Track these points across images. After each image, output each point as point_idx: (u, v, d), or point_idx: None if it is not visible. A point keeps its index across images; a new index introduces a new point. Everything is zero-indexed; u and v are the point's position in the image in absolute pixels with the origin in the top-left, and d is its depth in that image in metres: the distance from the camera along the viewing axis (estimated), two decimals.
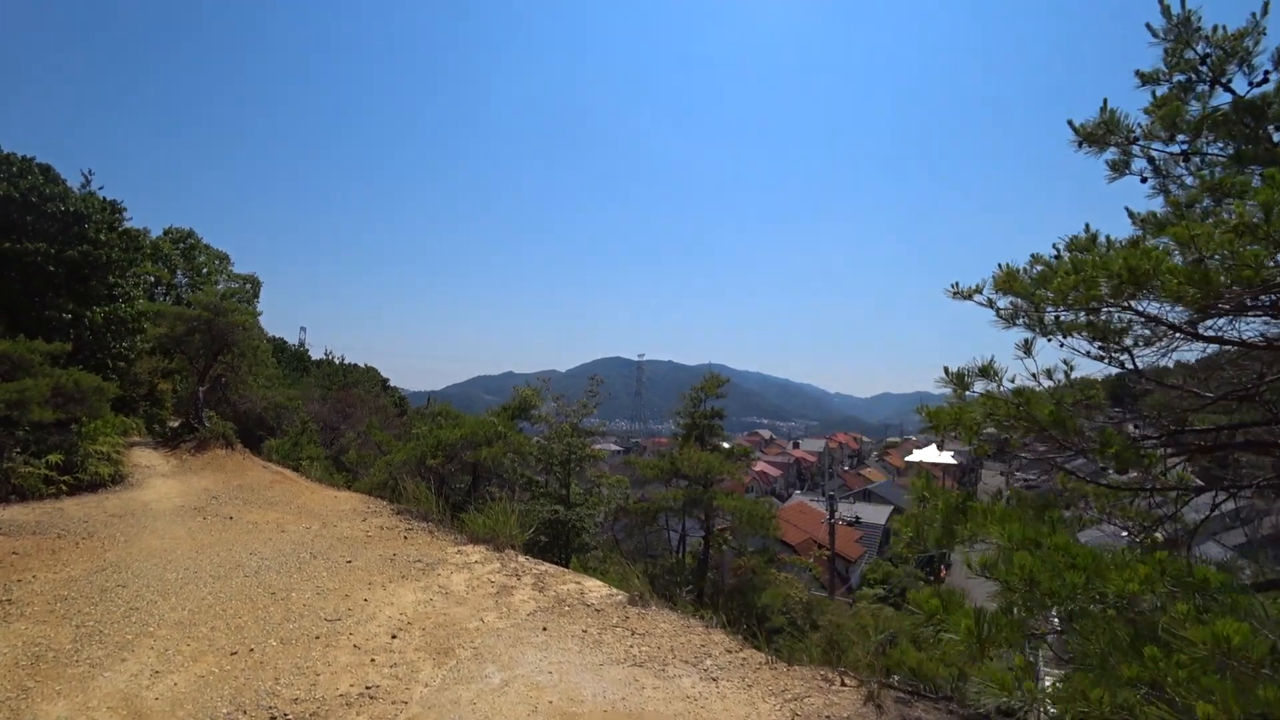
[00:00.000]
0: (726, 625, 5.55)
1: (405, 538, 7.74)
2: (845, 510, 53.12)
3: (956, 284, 4.24)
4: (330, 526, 8.04)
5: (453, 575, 6.19)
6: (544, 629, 4.88)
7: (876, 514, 57.77)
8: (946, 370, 4.32)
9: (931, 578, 53.31)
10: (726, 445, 16.24)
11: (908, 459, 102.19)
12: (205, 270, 20.85)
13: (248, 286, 20.28)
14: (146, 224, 22.55)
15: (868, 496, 67.57)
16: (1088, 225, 4.61)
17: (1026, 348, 4.22)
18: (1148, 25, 4.63)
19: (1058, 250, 4.56)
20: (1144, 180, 4.68)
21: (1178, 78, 4.62)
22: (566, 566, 9.94)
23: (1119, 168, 4.67)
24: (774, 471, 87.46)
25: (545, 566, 6.99)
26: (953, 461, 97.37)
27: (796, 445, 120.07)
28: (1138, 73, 4.79)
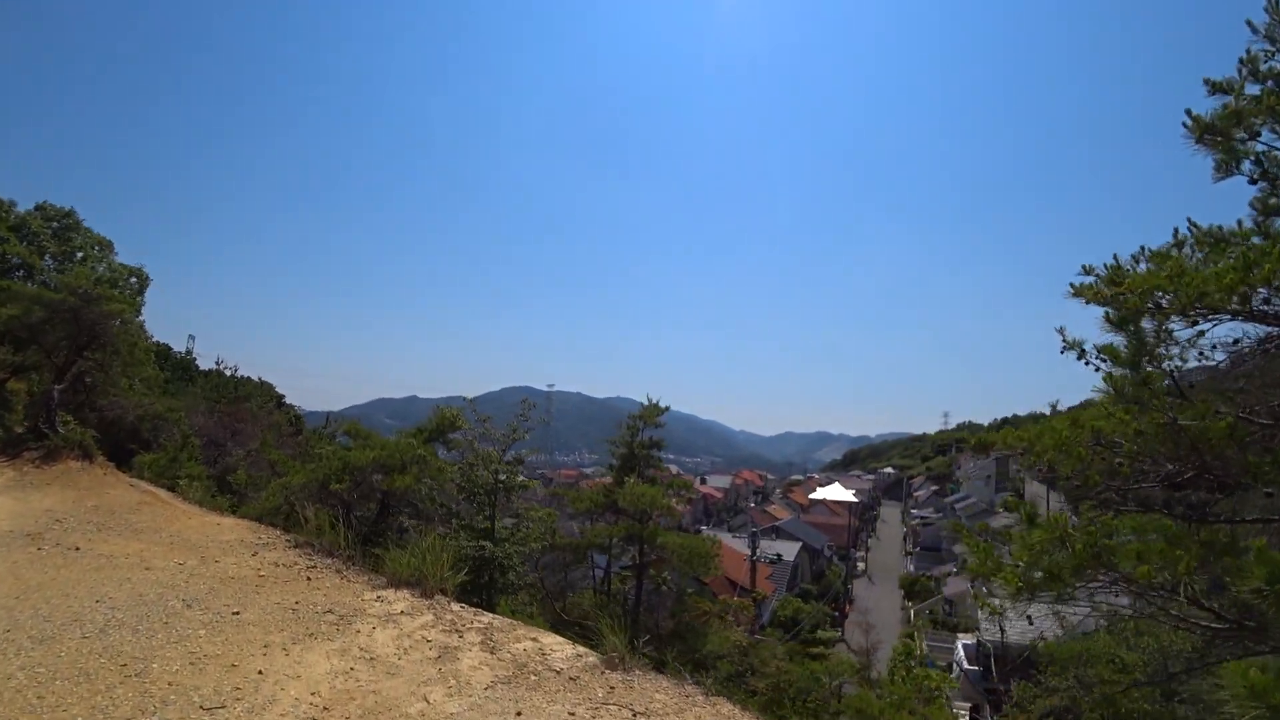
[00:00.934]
0: (726, 691, 4.48)
1: (308, 579, 6.24)
2: (767, 547, 53.02)
3: (1088, 267, 3.39)
4: (211, 562, 6.41)
5: (376, 632, 4.80)
6: (517, 715, 3.61)
7: (788, 550, 58.18)
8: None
9: (837, 614, 53.84)
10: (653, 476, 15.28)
11: (811, 496, 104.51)
12: (81, 255, 18.14)
13: (132, 280, 17.79)
14: (14, 198, 19.68)
15: (777, 533, 68.10)
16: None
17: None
18: (1248, 21, 4.15)
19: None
20: (1253, 182, 4.07)
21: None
22: (494, 610, 8.58)
23: (1226, 167, 4.04)
24: (680, 507, 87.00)
25: (488, 618, 5.70)
26: (854, 499, 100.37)
27: (703, 481, 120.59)
28: (1208, 81, 4.29)
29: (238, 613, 4.80)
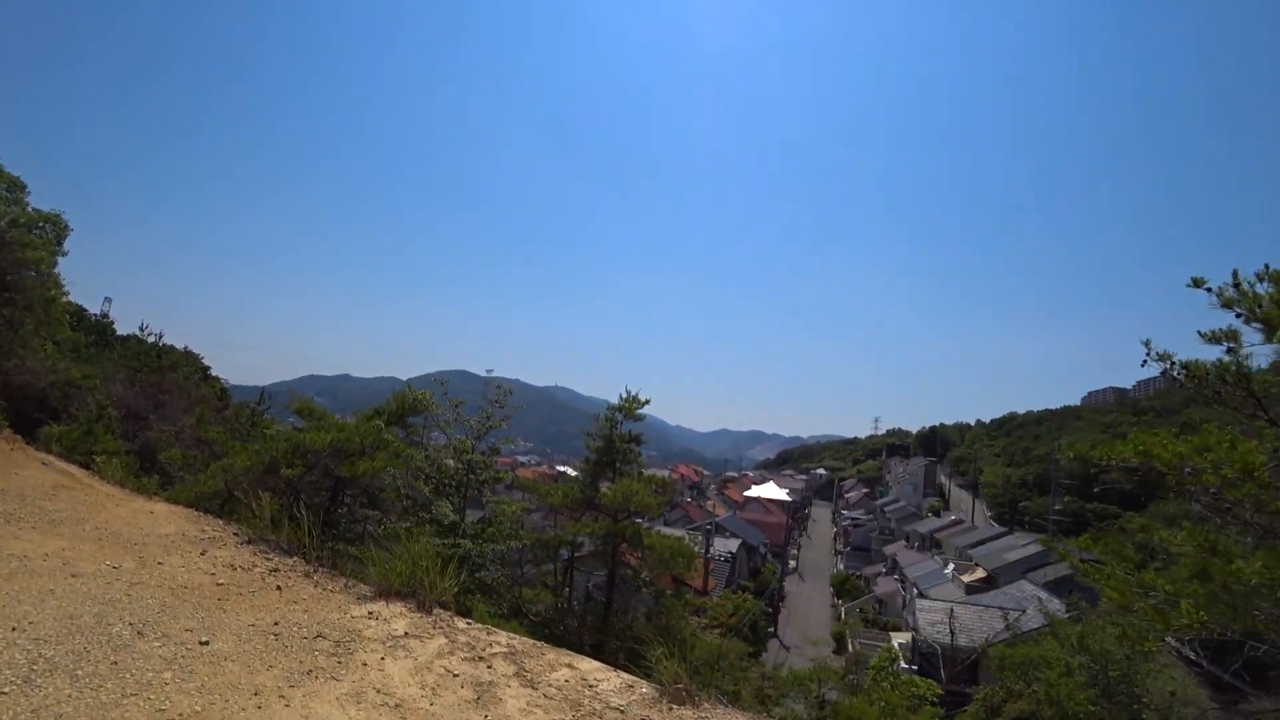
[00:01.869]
0: None
1: (279, 588, 5.16)
2: (721, 545, 52.94)
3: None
4: (152, 565, 5.23)
5: (387, 663, 3.81)
6: None
7: (728, 547, 58.34)
8: None
9: (770, 610, 54.19)
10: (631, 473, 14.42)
11: (746, 493, 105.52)
12: None
13: (47, 227, 15.79)
14: None
15: (717, 529, 68.21)
16: None
17: None
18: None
19: None
20: None
21: None
22: (470, 615, 7.61)
23: None
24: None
25: (506, 637, 4.76)
26: (787, 498, 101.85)
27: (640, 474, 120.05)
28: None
29: (206, 641, 3.69)
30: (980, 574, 50.03)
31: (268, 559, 6.34)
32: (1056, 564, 47.30)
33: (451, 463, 10.73)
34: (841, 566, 74.47)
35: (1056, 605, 32.25)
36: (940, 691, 11.88)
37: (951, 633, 23.38)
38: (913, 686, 11.18)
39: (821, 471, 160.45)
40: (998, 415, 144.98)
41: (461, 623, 4.97)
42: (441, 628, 4.65)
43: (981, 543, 58.56)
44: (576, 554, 13.22)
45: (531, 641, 4.76)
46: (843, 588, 64.17)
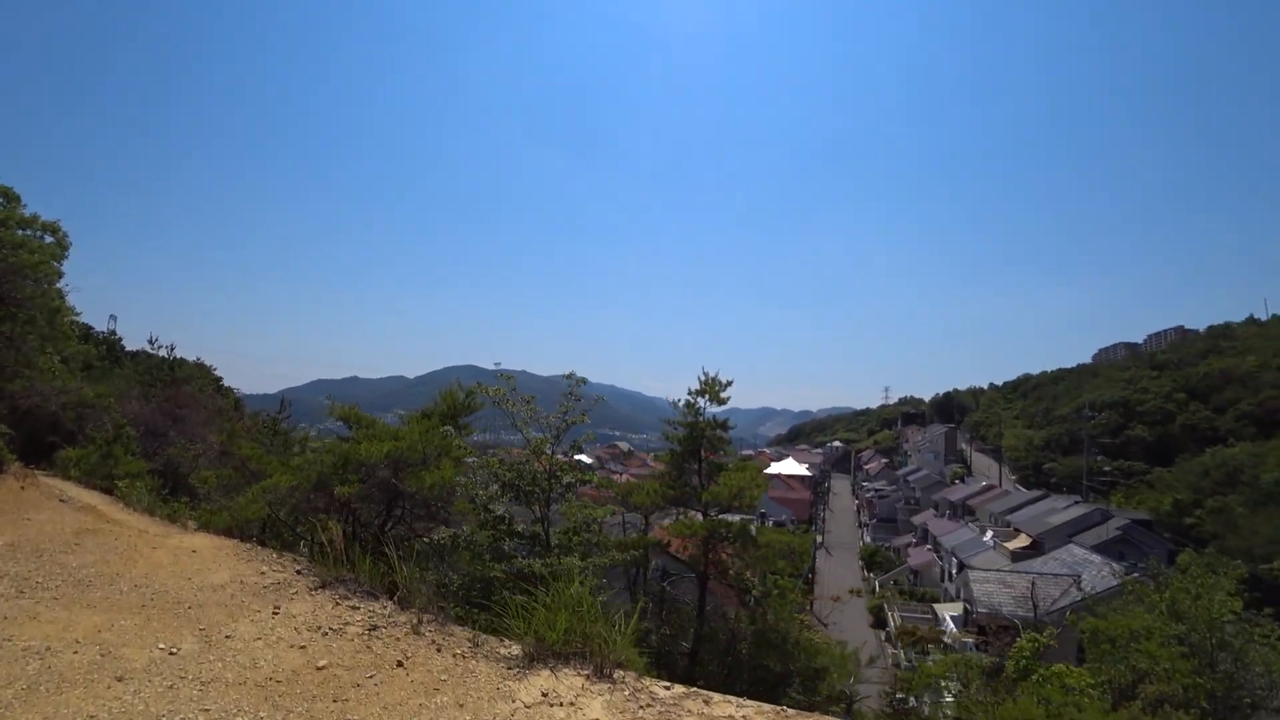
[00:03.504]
0: None
1: (400, 664, 3.78)
2: None
3: None
4: (219, 642, 3.86)
5: None
6: None
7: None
8: None
9: (807, 586, 53.03)
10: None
11: (766, 471, 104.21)
12: None
13: (47, 238, 14.39)
14: None
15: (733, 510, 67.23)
16: None
17: None
18: None
19: None
20: None
21: None
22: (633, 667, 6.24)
23: None
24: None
25: (731, 706, 3.37)
26: (808, 473, 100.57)
27: (656, 458, 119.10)
28: None
29: None
30: (1023, 540, 48.66)
31: (353, 608, 4.99)
32: (1101, 526, 45.97)
33: (534, 466, 9.36)
34: (868, 539, 73.36)
35: (1112, 570, 30.92)
36: (1092, 681, 10.49)
37: (1034, 604, 21.97)
38: (1068, 677, 9.82)
39: (837, 444, 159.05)
40: (1011, 378, 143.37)
41: (658, 687, 3.60)
42: (644, 702, 3.27)
43: (1018, 507, 57.21)
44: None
45: (772, 709, 3.38)
46: (872, 560, 63.00)
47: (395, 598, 5.53)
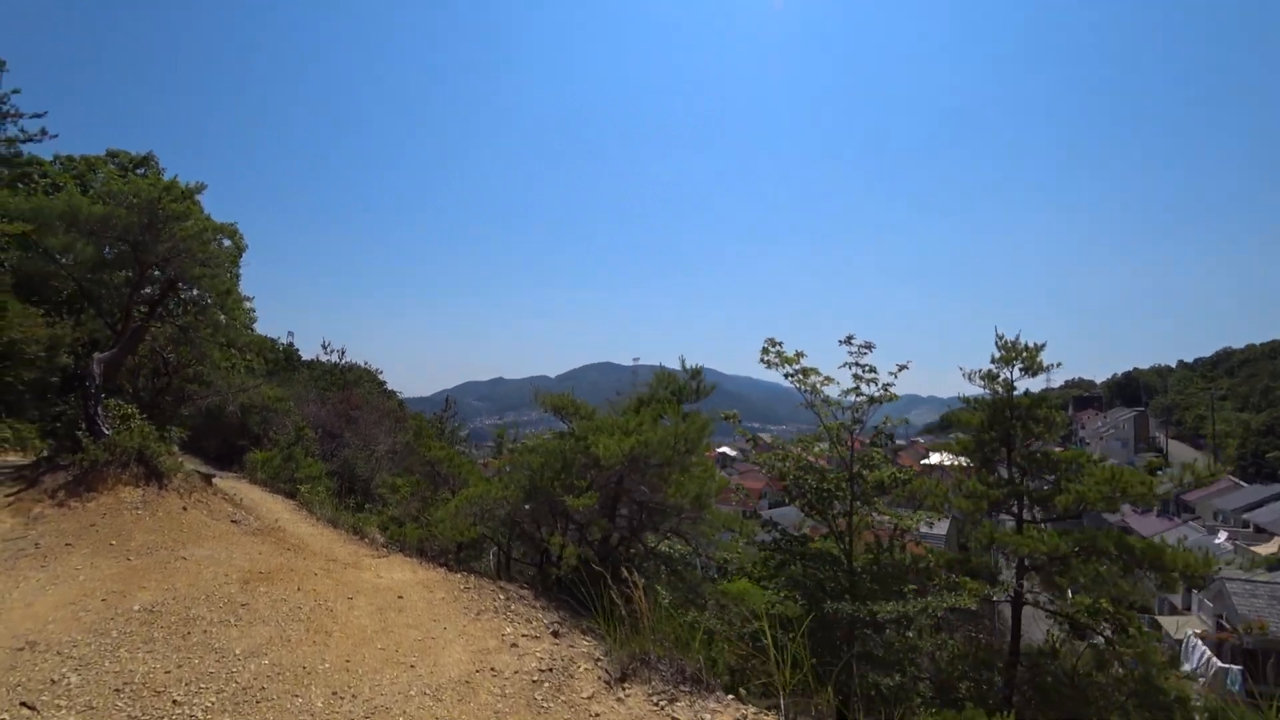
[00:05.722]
0: None
1: None
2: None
3: None
4: None
5: None
6: None
7: (941, 525, 51.93)
8: None
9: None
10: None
11: (924, 461, 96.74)
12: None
13: (224, 241, 13.67)
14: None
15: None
16: None
17: None
18: None
19: None
20: None
21: None
22: None
23: None
24: (753, 484, 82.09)
25: None
26: (969, 463, 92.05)
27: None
28: None
29: None
30: (1275, 545, 40.57)
31: (665, 694, 2.61)
32: None
33: (823, 466, 6.98)
34: None
35: None
36: None
37: None
38: None
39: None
40: (1204, 354, 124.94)
41: None
42: None
43: (1259, 504, 48.21)
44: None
45: None
46: None
47: (741, 691, 3.18)
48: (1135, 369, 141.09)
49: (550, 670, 3.29)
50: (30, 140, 15.23)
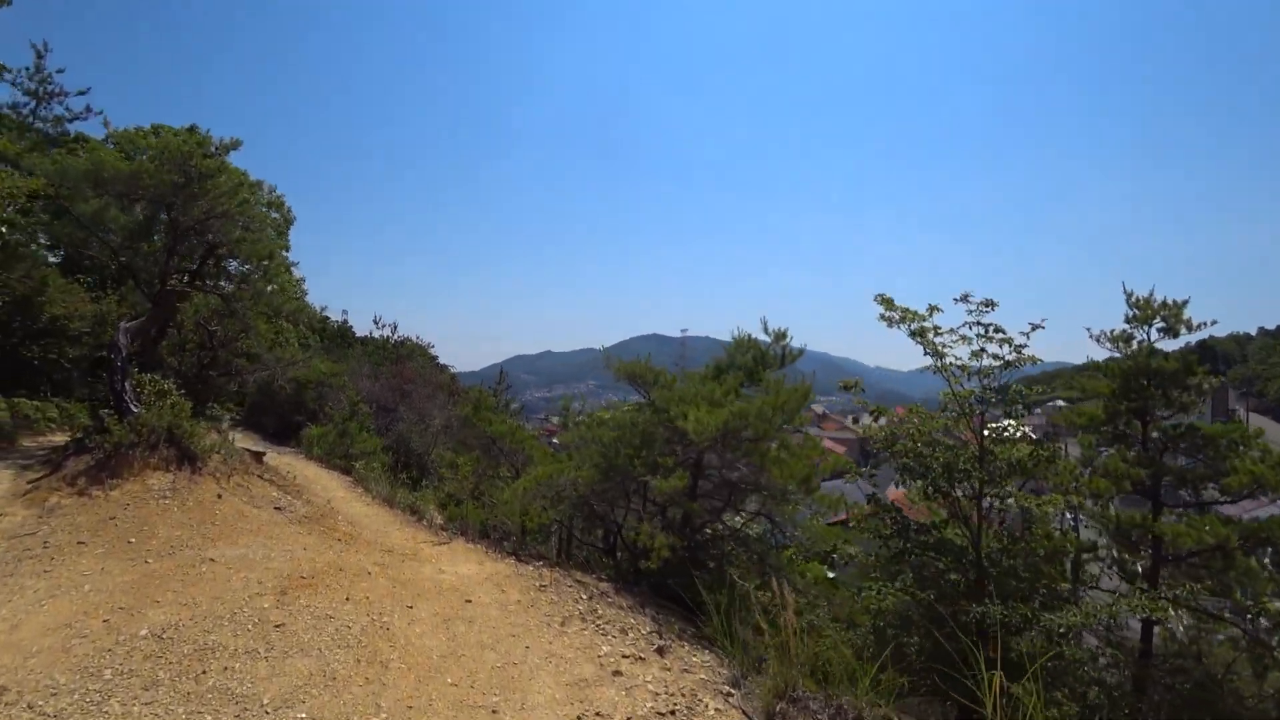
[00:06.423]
0: None
1: None
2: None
3: None
4: None
5: None
6: None
7: None
8: None
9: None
10: None
11: (985, 432, 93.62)
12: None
13: (272, 213, 13.12)
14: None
15: None
16: None
17: None
18: None
19: None
20: None
21: None
22: None
23: None
24: (838, 448, 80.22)
25: None
26: (1032, 435, 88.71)
27: (856, 420, 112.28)
28: None
29: None
30: None
31: None
32: None
33: (947, 441, 6.05)
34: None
35: None
36: None
37: None
38: None
39: (1061, 404, 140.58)
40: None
41: None
42: None
43: None
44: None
45: None
46: None
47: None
48: (1211, 336, 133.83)
49: (673, 715, 2.50)
50: (76, 119, 15.03)
